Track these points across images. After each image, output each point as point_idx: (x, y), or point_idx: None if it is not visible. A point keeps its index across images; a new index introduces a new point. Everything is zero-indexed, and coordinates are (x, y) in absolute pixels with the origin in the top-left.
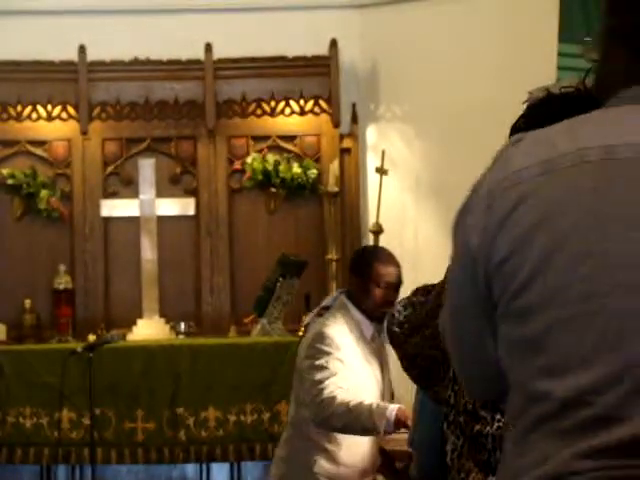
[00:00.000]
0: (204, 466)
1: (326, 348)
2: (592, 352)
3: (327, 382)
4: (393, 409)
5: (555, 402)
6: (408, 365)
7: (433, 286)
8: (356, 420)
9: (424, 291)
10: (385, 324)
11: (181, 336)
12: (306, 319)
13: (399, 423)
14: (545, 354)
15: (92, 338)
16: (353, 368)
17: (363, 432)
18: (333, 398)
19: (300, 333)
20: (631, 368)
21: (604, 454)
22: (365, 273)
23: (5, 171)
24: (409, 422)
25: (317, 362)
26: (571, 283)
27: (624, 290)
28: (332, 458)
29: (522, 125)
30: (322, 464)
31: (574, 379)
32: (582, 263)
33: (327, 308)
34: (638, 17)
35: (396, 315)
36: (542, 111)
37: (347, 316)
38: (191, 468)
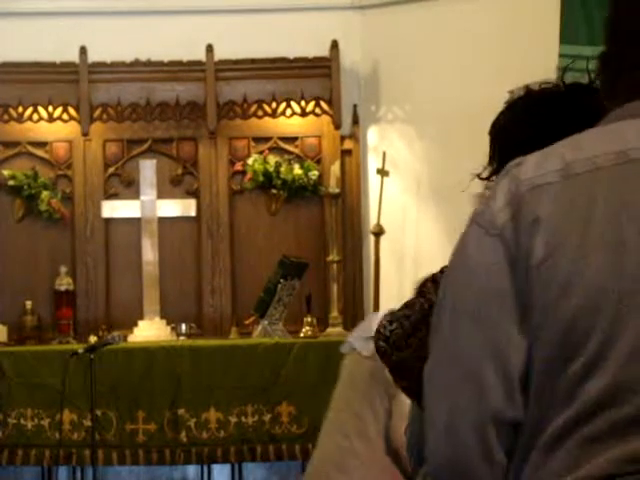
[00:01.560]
0: (205, 467)
1: None
2: (632, 347)
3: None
4: None
5: (587, 403)
6: (396, 377)
7: (414, 299)
8: None
9: (406, 305)
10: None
11: (182, 337)
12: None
13: None
14: (583, 356)
15: (93, 339)
16: None
17: None
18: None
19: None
20: None
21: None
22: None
23: (6, 172)
24: None
25: None
26: (613, 284)
27: None
28: None
29: (501, 121)
30: None
31: (609, 377)
32: (619, 264)
33: None
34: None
35: (382, 330)
36: (520, 106)
37: None
38: (192, 469)
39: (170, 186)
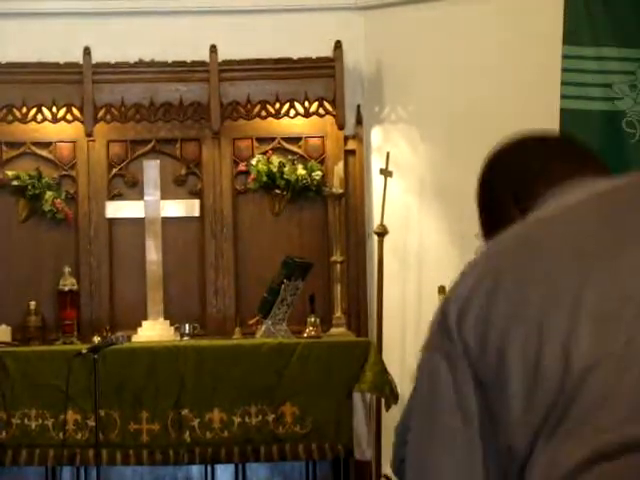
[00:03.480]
0: (209, 467)
1: None
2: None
3: None
4: None
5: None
6: None
7: None
8: None
9: None
10: None
11: (186, 338)
12: None
13: None
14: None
15: (97, 340)
16: None
17: None
18: None
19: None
20: None
21: None
22: None
23: (10, 173)
24: None
25: None
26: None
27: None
28: None
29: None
30: None
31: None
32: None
33: None
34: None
35: None
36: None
37: None
38: (196, 469)
39: (174, 186)
